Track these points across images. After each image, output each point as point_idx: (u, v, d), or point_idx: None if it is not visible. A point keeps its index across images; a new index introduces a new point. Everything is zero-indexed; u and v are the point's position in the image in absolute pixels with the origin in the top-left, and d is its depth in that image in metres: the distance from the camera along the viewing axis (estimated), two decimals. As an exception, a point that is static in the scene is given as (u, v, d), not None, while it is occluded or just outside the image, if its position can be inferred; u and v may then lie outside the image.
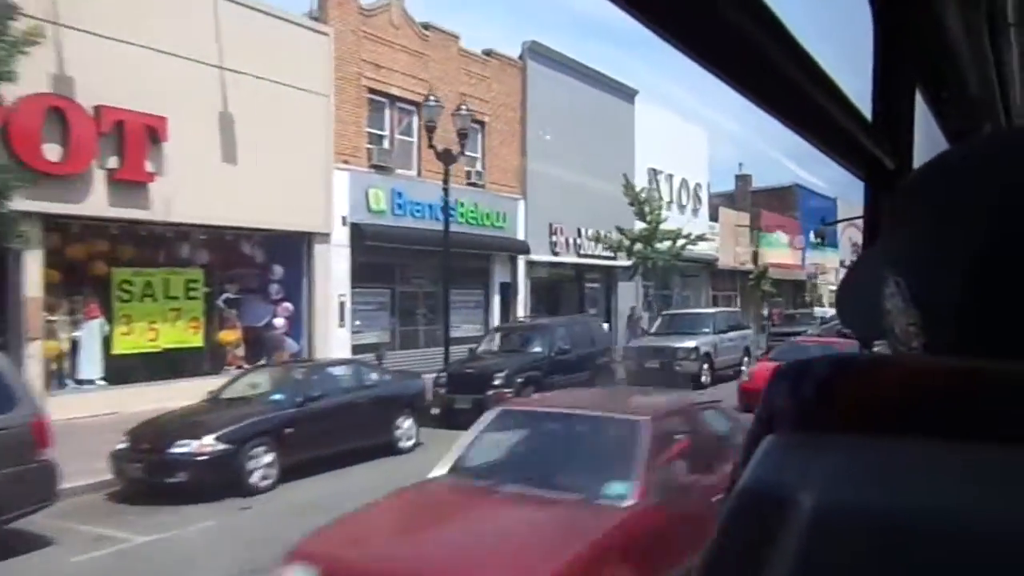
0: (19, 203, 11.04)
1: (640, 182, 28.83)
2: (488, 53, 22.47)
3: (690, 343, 18.71)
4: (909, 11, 1.34)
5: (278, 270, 17.12)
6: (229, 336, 16.32)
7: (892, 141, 1.32)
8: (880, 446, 0.55)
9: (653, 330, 21.30)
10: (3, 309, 12.70)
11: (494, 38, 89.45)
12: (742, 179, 43.87)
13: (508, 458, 6.04)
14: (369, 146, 18.90)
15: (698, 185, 33.02)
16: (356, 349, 17.74)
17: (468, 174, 21.30)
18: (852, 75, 1.23)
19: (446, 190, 16.51)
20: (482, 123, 21.85)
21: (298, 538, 4.92)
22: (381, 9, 19.22)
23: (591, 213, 24.43)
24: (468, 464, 5.89)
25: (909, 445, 0.54)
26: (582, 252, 25.50)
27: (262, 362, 15.42)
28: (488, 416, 6.50)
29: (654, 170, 29.67)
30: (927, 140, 1.67)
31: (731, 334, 20.59)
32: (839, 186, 37.40)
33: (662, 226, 23.86)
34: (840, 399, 0.59)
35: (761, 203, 42.83)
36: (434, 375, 14.46)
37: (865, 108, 1.23)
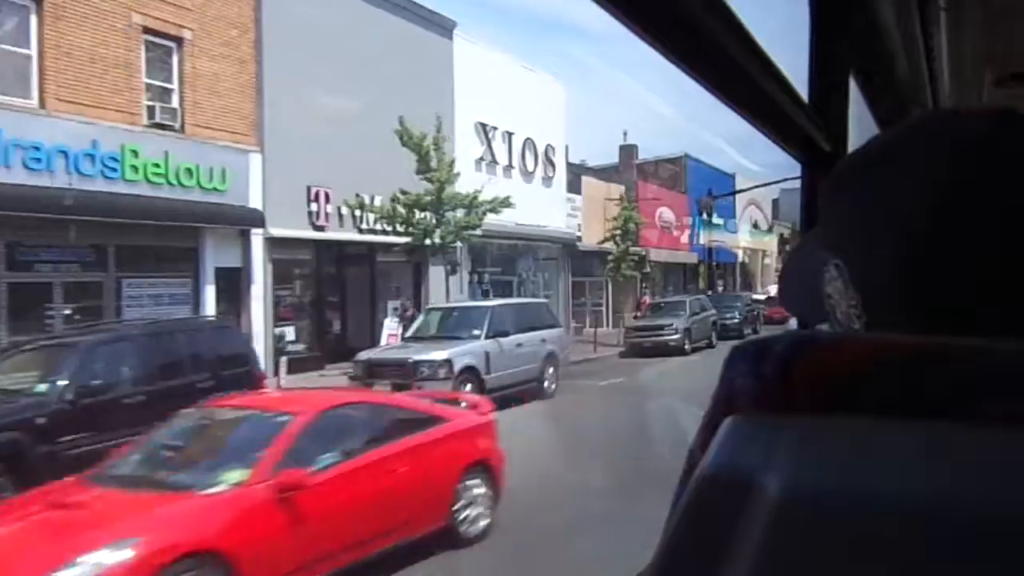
0: None
1: (467, 141, 22.69)
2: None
3: (440, 354, 12.52)
4: None
5: None
6: None
7: (828, 123, 1.34)
8: (845, 426, 0.54)
9: (409, 334, 14.96)
10: None
11: None
12: (626, 150, 37.92)
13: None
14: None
15: (550, 147, 26.96)
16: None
17: (151, 110, 14.73)
18: (789, 55, 1.24)
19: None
20: (179, 39, 15.28)
21: None
22: None
23: (381, 177, 18.04)
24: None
25: (874, 425, 0.53)
26: (366, 227, 19.18)
27: None
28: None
29: (483, 124, 23.48)
30: (861, 125, 1.71)
31: (524, 336, 14.38)
32: (779, 171, 31.46)
33: (453, 189, 17.51)
34: (801, 378, 0.57)
35: (651, 177, 37.13)
36: None
37: (802, 90, 1.24)
